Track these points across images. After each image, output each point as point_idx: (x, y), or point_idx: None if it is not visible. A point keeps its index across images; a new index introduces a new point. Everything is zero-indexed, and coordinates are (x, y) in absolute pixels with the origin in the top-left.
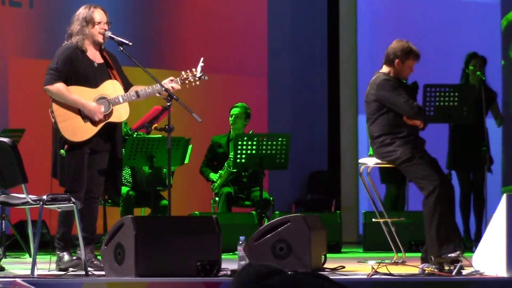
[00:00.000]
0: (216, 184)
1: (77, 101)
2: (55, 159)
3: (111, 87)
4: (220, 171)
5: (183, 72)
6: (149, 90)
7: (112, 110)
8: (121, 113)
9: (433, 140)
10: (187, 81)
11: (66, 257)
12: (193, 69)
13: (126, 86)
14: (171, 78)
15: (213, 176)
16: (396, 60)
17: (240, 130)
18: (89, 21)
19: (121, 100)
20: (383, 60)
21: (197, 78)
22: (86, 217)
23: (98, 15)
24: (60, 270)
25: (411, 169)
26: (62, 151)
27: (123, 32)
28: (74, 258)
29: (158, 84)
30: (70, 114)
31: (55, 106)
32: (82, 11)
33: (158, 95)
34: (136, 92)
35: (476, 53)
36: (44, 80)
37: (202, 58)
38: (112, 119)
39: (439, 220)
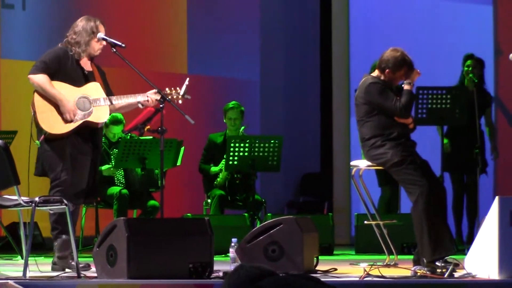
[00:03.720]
0: (219, 178)
1: (56, 95)
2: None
3: (94, 89)
4: (221, 165)
5: (167, 89)
6: (129, 100)
7: (92, 110)
8: (100, 115)
9: (427, 142)
10: (169, 97)
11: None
12: (178, 88)
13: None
14: (155, 90)
15: (215, 169)
16: (387, 70)
17: (239, 130)
18: (92, 35)
19: (102, 103)
20: (377, 64)
21: (180, 96)
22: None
23: (103, 29)
24: (58, 258)
25: (400, 173)
26: (37, 142)
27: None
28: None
29: (137, 94)
30: (49, 107)
31: (36, 97)
32: (87, 23)
33: (141, 106)
34: (109, 99)
35: (472, 55)
36: (30, 69)
37: (188, 78)
38: (91, 118)
39: (429, 226)
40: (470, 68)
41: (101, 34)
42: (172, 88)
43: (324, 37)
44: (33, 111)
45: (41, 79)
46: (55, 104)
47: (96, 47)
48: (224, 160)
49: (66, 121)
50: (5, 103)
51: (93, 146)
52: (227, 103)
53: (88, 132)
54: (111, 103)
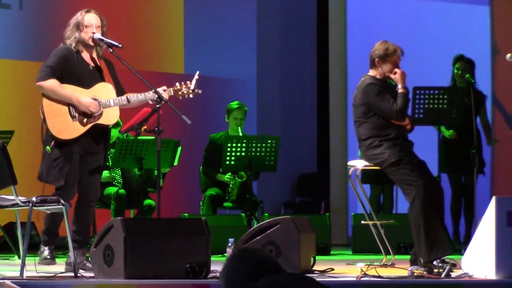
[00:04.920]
0: (233, 195)
1: (71, 96)
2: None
3: (104, 90)
4: (227, 177)
5: (177, 84)
6: (141, 97)
7: (102, 112)
8: (110, 117)
9: (424, 143)
10: (180, 92)
11: (45, 252)
12: (188, 82)
13: (120, 93)
14: (164, 88)
15: (222, 177)
16: (376, 59)
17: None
18: (78, 26)
19: (112, 103)
20: (370, 64)
21: (190, 91)
22: (81, 221)
23: (87, 19)
24: (39, 264)
25: (397, 173)
26: (47, 147)
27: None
28: (49, 257)
29: (150, 91)
30: (59, 112)
31: (45, 102)
32: (75, 16)
33: (150, 102)
34: (127, 98)
35: (463, 56)
36: (37, 77)
37: (197, 72)
38: (101, 121)
39: (426, 225)
40: (459, 72)
41: (97, 35)
42: (182, 83)
43: (321, 37)
44: (42, 116)
45: (51, 84)
46: (65, 108)
47: (85, 37)
48: (229, 175)
49: (84, 123)
50: (3, 103)
51: (104, 146)
52: (224, 103)
53: (97, 132)
54: (128, 101)
